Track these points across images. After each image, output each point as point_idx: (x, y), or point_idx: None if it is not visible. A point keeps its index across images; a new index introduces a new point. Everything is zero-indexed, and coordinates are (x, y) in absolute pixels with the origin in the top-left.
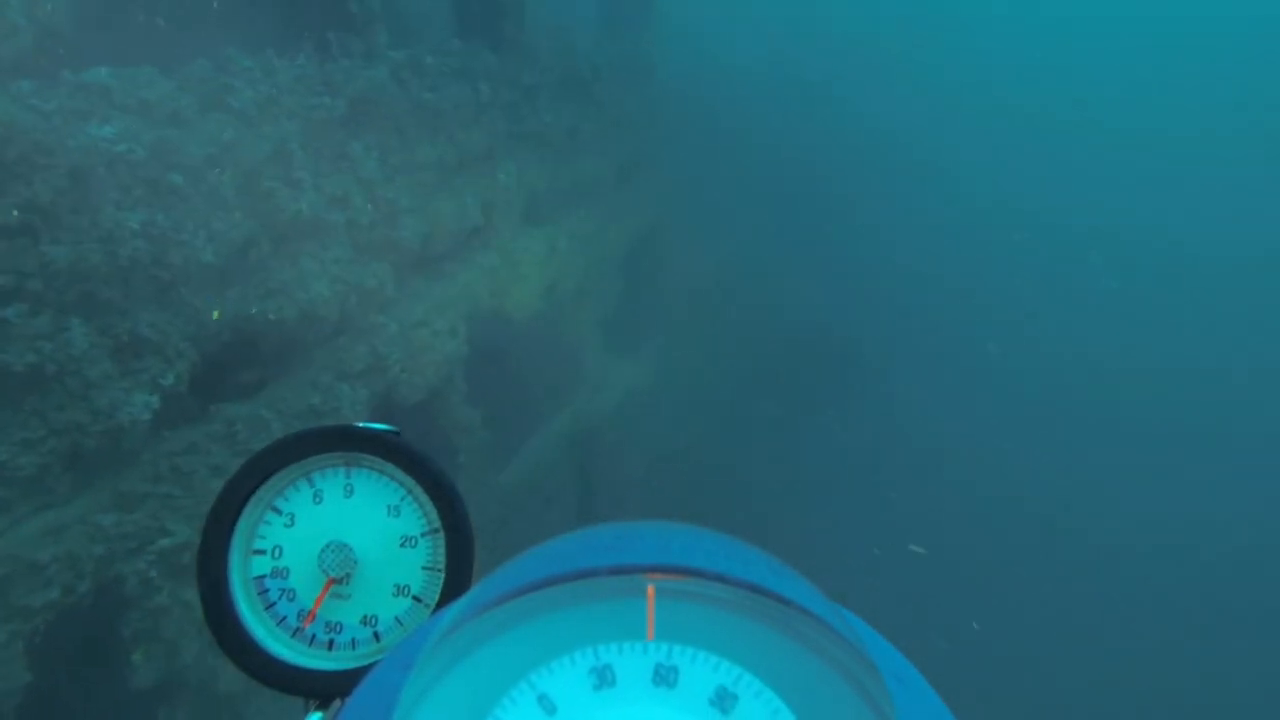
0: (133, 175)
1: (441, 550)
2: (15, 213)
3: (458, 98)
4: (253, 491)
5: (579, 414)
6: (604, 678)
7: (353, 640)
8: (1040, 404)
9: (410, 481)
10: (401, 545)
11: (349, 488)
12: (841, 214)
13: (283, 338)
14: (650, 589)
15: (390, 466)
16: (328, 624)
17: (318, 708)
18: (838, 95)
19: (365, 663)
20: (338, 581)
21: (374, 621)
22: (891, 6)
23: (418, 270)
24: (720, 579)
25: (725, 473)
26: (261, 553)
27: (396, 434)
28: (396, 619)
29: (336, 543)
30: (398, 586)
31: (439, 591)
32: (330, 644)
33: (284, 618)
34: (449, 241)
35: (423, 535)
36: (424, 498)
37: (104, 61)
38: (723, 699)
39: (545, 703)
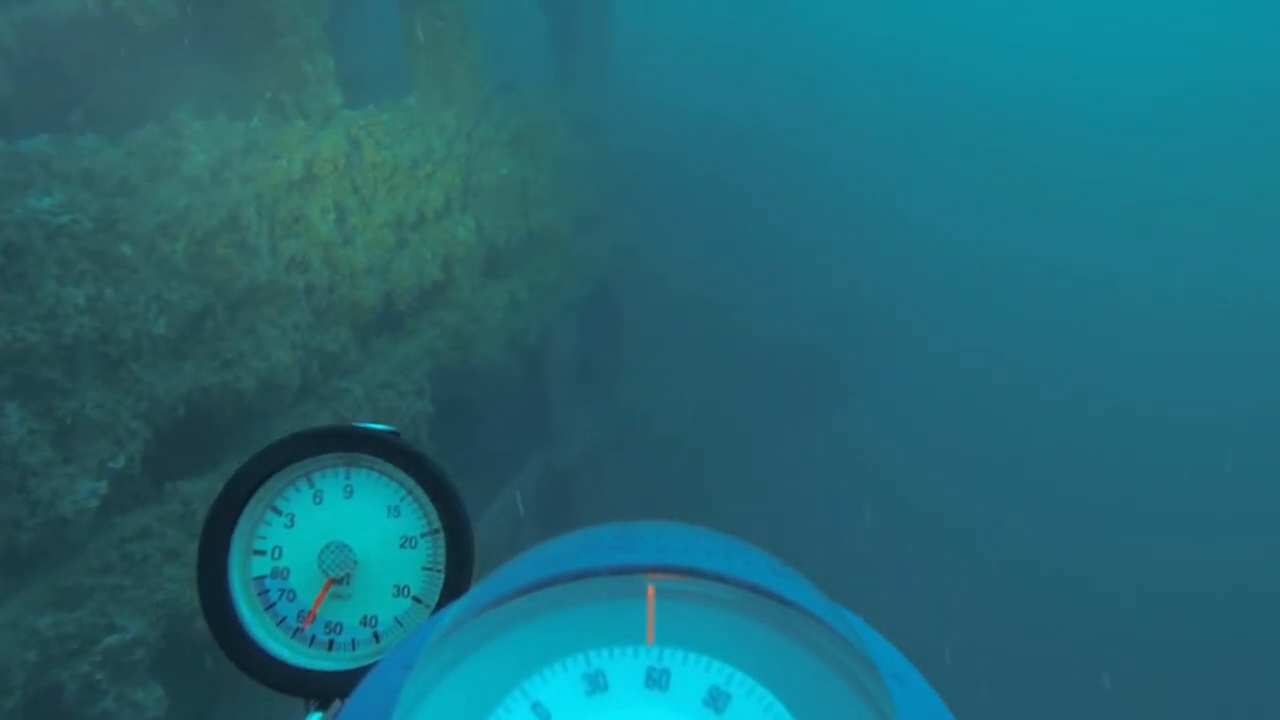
0: (77, 248)
1: (441, 551)
2: None
3: (414, 154)
4: (253, 492)
5: (549, 462)
6: (596, 683)
7: (352, 641)
8: (990, 439)
9: (410, 482)
10: (401, 546)
11: (349, 488)
12: (797, 254)
13: (242, 408)
14: (650, 590)
15: (390, 467)
16: (328, 624)
17: (317, 708)
18: (790, 139)
19: (365, 663)
20: (337, 582)
21: (374, 622)
22: (844, 52)
23: (380, 331)
24: (720, 579)
25: (698, 505)
26: (261, 553)
27: (396, 434)
28: (396, 619)
29: (336, 543)
30: (398, 587)
31: (439, 592)
32: (330, 644)
33: (284, 618)
34: (410, 299)
35: (423, 536)
36: (424, 498)
37: (44, 128)
38: (716, 698)
39: (539, 710)
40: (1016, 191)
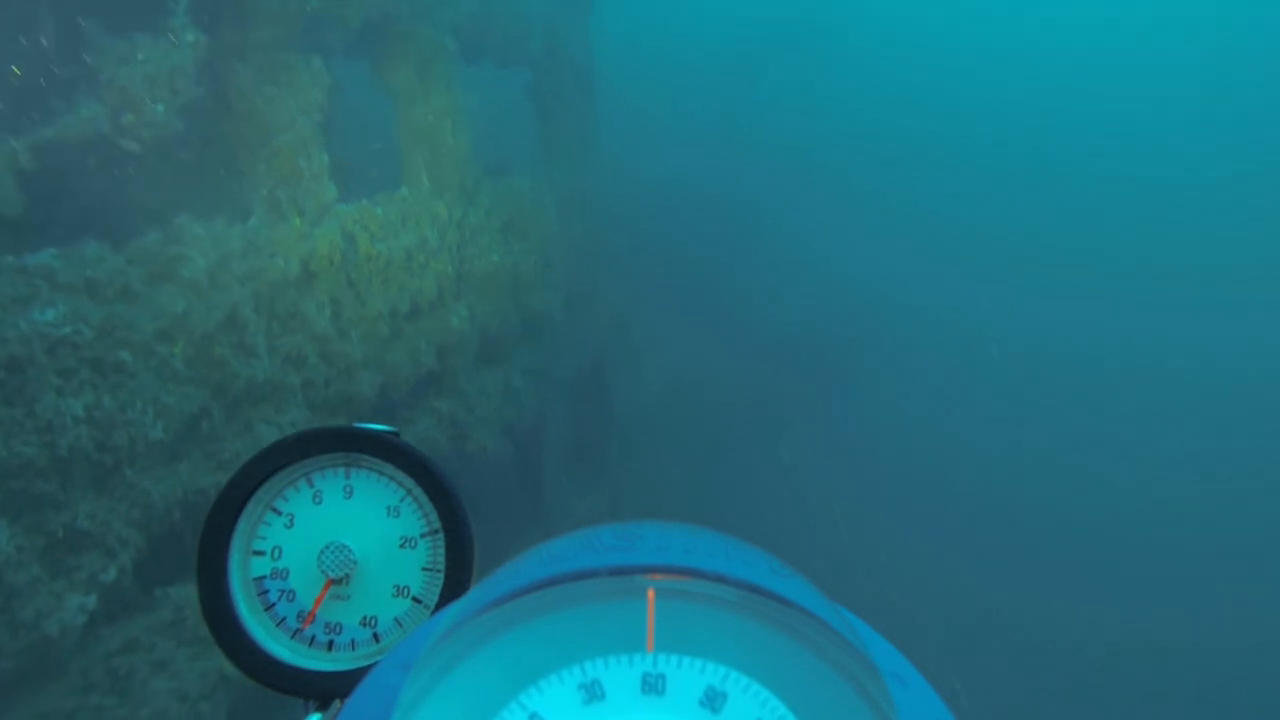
0: (77, 358)
1: (441, 551)
2: None
3: (408, 245)
4: (252, 492)
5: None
6: (593, 692)
7: (352, 641)
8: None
9: (410, 482)
10: (401, 546)
11: (349, 489)
12: (781, 325)
13: None
14: (650, 593)
15: (390, 467)
16: (327, 625)
17: (317, 708)
18: (773, 214)
19: (365, 664)
20: (337, 582)
21: (373, 622)
22: (825, 129)
23: (375, 422)
24: (720, 579)
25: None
26: (261, 553)
27: (396, 434)
28: (396, 620)
29: (336, 544)
30: (397, 587)
31: (438, 592)
32: (330, 645)
33: (284, 618)
34: (405, 390)
35: (422, 536)
36: (424, 498)
37: (51, 238)
38: (712, 699)
39: None
40: (998, 263)
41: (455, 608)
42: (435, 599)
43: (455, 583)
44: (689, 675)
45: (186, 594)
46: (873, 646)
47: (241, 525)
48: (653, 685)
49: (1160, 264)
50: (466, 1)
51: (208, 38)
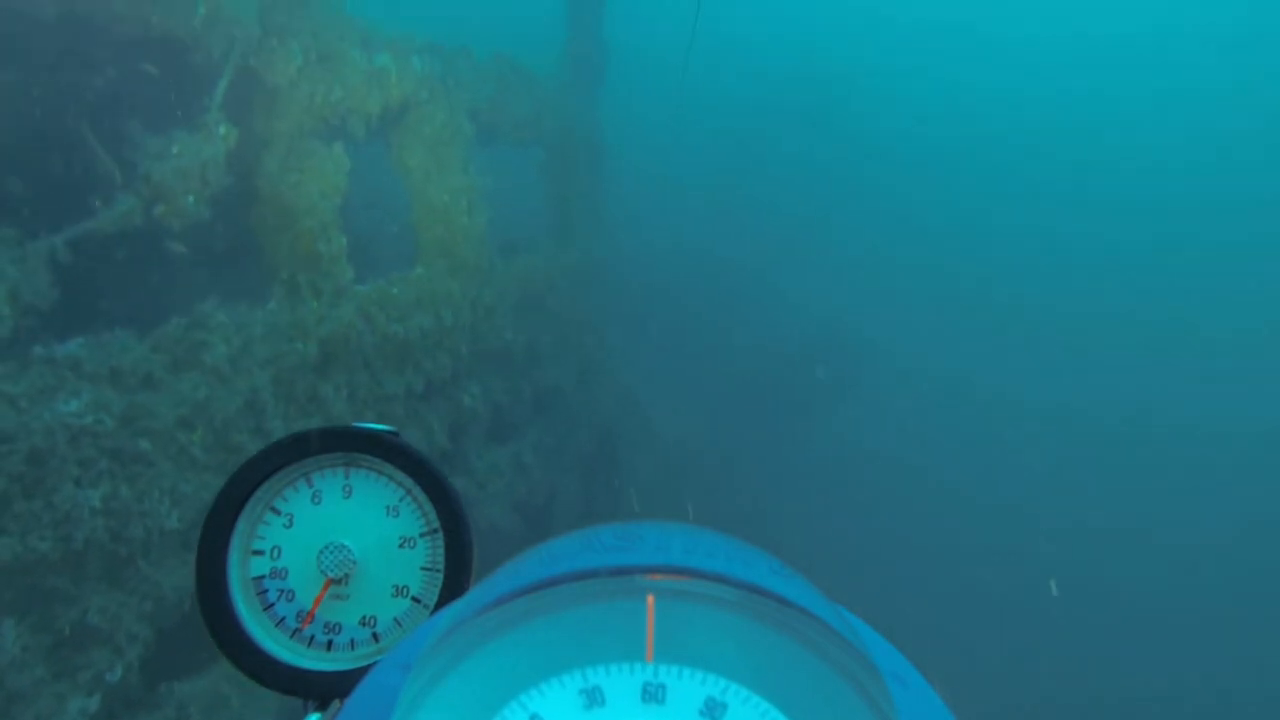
0: (98, 447)
1: (440, 551)
2: None
3: (423, 326)
4: (252, 492)
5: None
6: (594, 698)
7: (351, 641)
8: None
9: (409, 482)
10: (400, 546)
11: (348, 488)
12: (791, 390)
13: None
14: (650, 599)
15: (389, 467)
16: (326, 625)
17: (316, 708)
18: (777, 280)
19: (364, 663)
20: (336, 582)
21: (373, 622)
22: (831, 195)
23: None
24: (721, 579)
25: None
26: (260, 553)
27: (395, 434)
28: (395, 620)
29: (335, 543)
30: (396, 587)
31: (438, 592)
32: (329, 645)
33: (283, 618)
34: None
35: (421, 536)
36: (423, 498)
37: (80, 327)
38: (712, 709)
39: None
40: (1009, 326)
41: (455, 608)
42: (435, 599)
43: (455, 582)
44: (690, 685)
45: (191, 690)
46: (873, 646)
47: (241, 525)
48: (653, 694)
49: (1149, 320)
50: (484, 84)
51: (239, 130)
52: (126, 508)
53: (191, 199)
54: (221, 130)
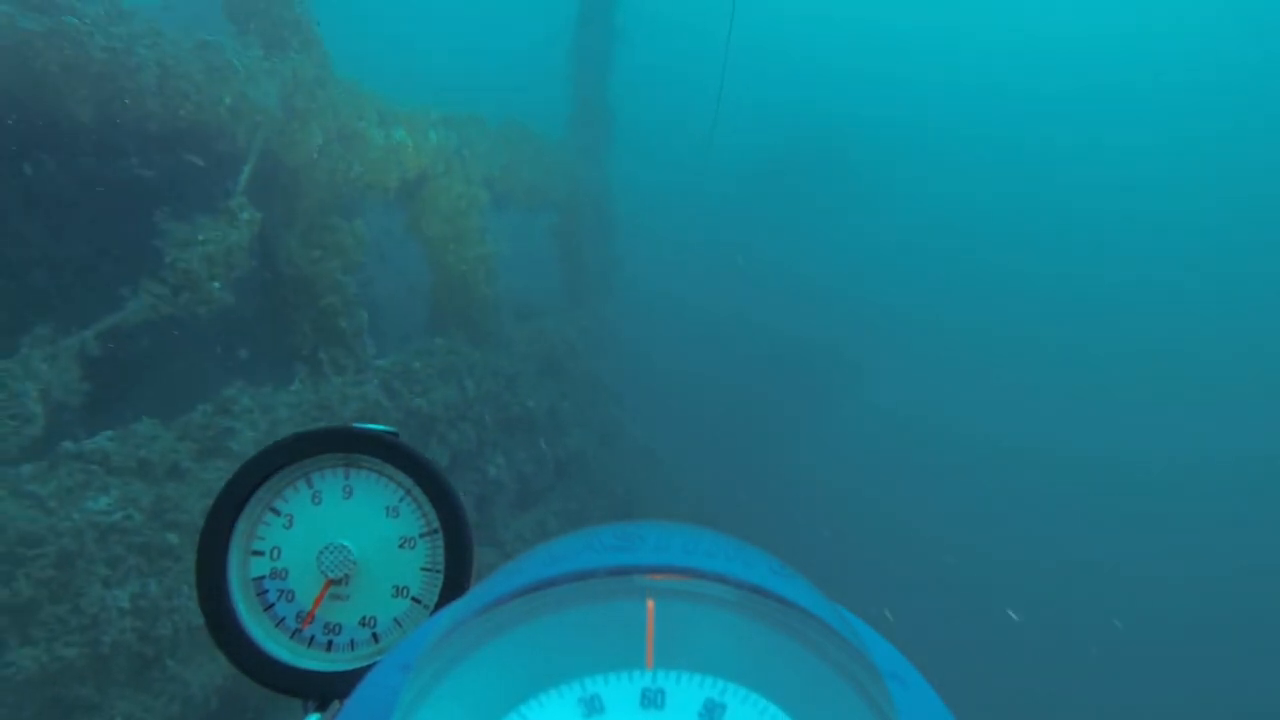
0: (126, 544)
1: (440, 551)
2: None
3: (446, 399)
4: (252, 492)
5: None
6: (593, 706)
7: (351, 641)
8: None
9: (409, 482)
10: (400, 546)
11: (348, 489)
12: (802, 449)
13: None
14: (650, 606)
15: (389, 468)
16: (326, 625)
17: (316, 709)
18: (795, 338)
19: (364, 664)
20: (336, 583)
21: (373, 623)
22: (841, 252)
23: None
24: (720, 579)
25: None
26: (260, 554)
27: (395, 435)
28: (395, 620)
29: (335, 544)
30: (396, 588)
31: (438, 592)
32: (329, 645)
33: (282, 619)
34: None
35: (421, 536)
36: (423, 498)
37: (109, 419)
38: (711, 710)
39: None
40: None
41: (455, 608)
42: (434, 599)
43: (454, 583)
44: (688, 689)
45: None
46: (873, 647)
47: (240, 525)
48: (652, 700)
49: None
50: (497, 153)
51: (263, 213)
52: (155, 605)
53: (217, 285)
54: (245, 215)
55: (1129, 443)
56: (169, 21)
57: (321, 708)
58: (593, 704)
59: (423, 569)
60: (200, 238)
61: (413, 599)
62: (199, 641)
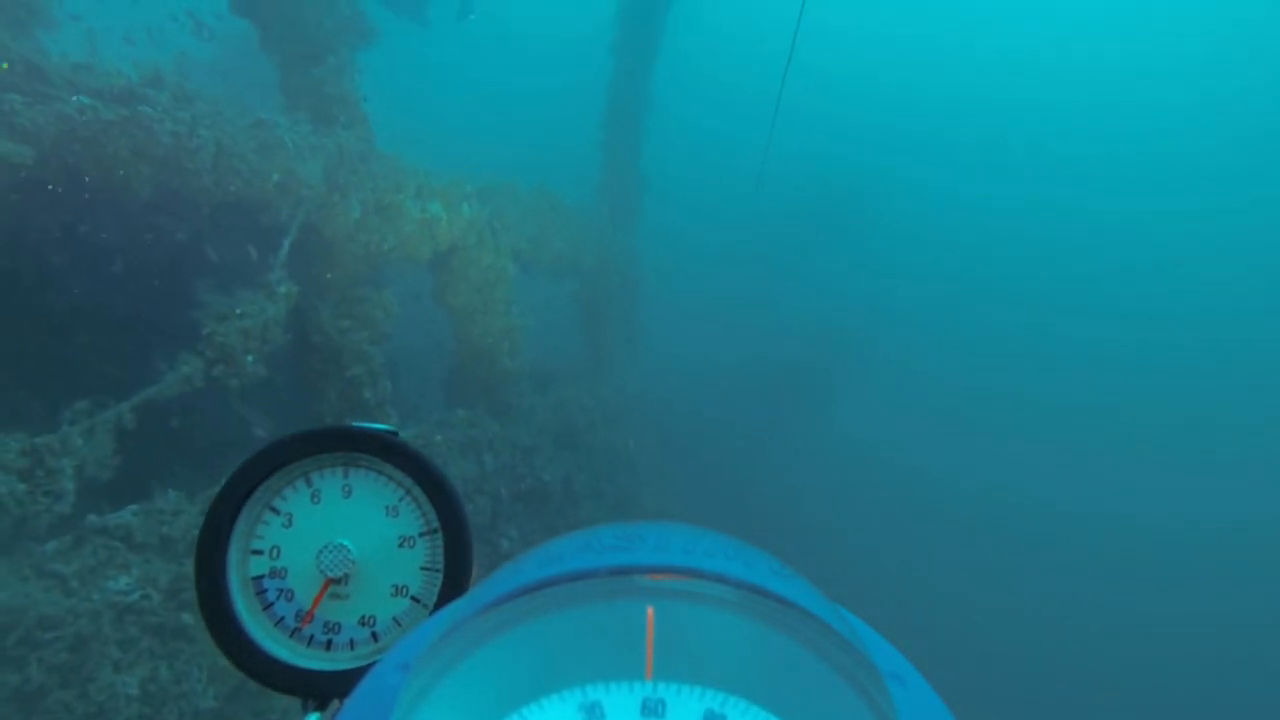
0: (141, 625)
1: (440, 550)
2: None
3: (465, 472)
4: (251, 491)
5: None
6: (593, 712)
7: (351, 641)
8: None
9: (409, 482)
10: (400, 545)
11: (347, 488)
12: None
13: None
14: (650, 613)
15: (389, 467)
16: (326, 624)
17: (316, 708)
18: (813, 398)
19: (363, 663)
20: (335, 582)
21: (372, 622)
22: (856, 302)
23: None
24: (720, 579)
25: None
26: (259, 553)
27: (395, 434)
28: (395, 619)
29: (334, 543)
30: (396, 587)
31: (437, 592)
32: (328, 644)
33: (282, 618)
34: None
35: (421, 535)
36: (422, 498)
37: (134, 492)
38: None
39: None
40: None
41: (454, 607)
42: (434, 598)
43: (454, 582)
44: (689, 700)
45: None
46: (872, 646)
47: (240, 524)
48: (652, 709)
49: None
50: (526, 224)
51: (298, 285)
52: (164, 690)
53: (251, 358)
54: (283, 289)
55: (1143, 503)
56: (228, 89)
57: (321, 707)
58: (593, 710)
59: (422, 568)
60: (238, 311)
61: (412, 598)
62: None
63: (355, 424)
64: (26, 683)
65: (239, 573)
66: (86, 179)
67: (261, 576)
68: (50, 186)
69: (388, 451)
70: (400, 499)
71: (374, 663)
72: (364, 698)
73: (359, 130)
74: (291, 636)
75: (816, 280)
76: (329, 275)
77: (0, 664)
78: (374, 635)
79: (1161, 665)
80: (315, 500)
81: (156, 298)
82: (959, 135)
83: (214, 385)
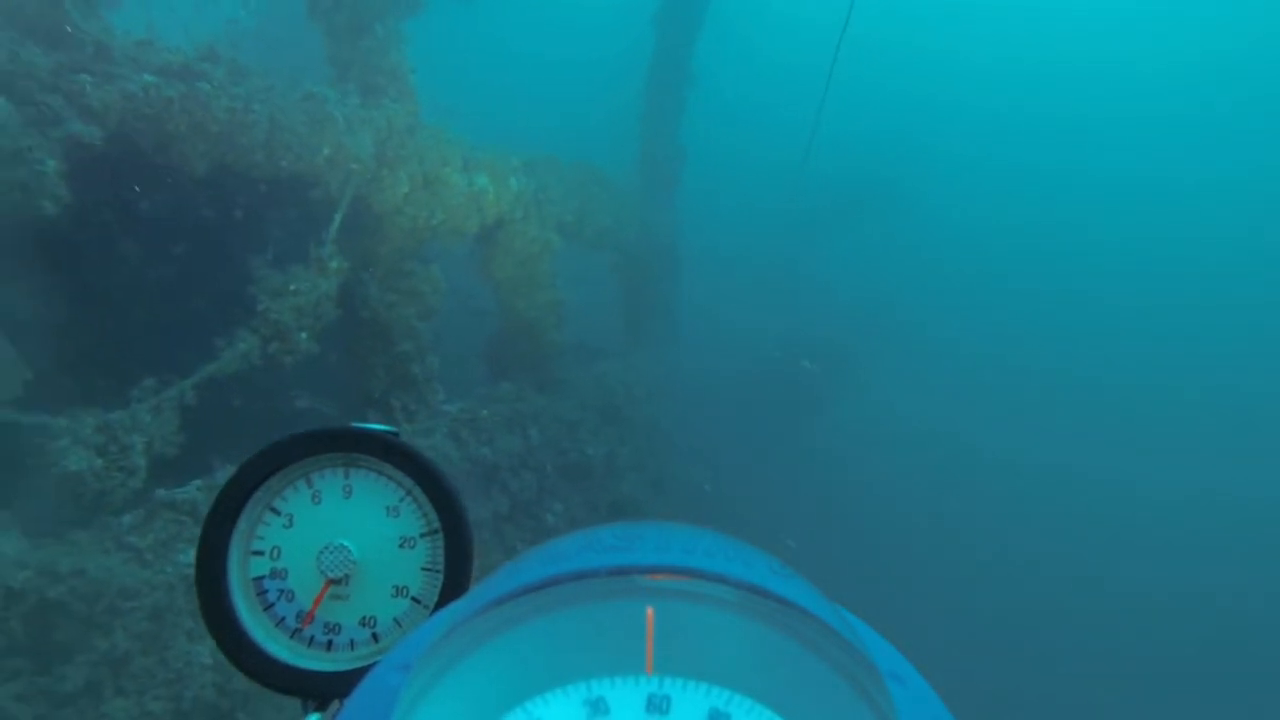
0: None
1: (440, 551)
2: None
3: (510, 447)
4: (251, 492)
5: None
6: (598, 708)
7: (351, 641)
8: None
9: (409, 482)
10: (400, 546)
11: (348, 489)
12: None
13: None
14: (650, 613)
15: (389, 467)
16: (326, 625)
17: (316, 709)
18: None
19: (364, 664)
20: (336, 582)
21: (372, 622)
22: (898, 284)
23: None
24: (720, 579)
25: None
26: (260, 554)
27: (395, 434)
28: (395, 620)
29: (335, 544)
30: (396, 587)
31: (438, 592)
32: (329, 645)
33: (282, 619)
34: None
35: (421, 536)
36: (423, 498)
37: (195, 467)
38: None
39: None
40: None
41: (455, 608)
42: (434, 599)
43: (454, 582)
44: (694, 697)
45: None
46: (872, 646)
47: (240, 525)
48: (657, 705)
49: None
50: (570, 198)
51: (349, 262)
52: None
53: (304, 335)
54: (334, 264)
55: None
56: (275, 58)
57: (321, 707)
58: (598, 705)
59: (423, 569)
60: (292, 287)
61: (412, 599)
62: (266, 695)
63: (355, 425)
64: (113, 649)
65: (240, 573)
66: (148, 156)
67: (262, 577)
68: (115, 164)
69: (388, 452)
70: (401, 499)
71: (374, 663)
72: (364, 698)
73: (407, 103)
74: (292, 637)
75: (856, 253)
76: (377, 249)
77: (91, 629)
78: (374, 636)
79: (1206, 641)
80: (316, 501)
81: (214, 273)
82: (1002, 104)
83: (270, 362)
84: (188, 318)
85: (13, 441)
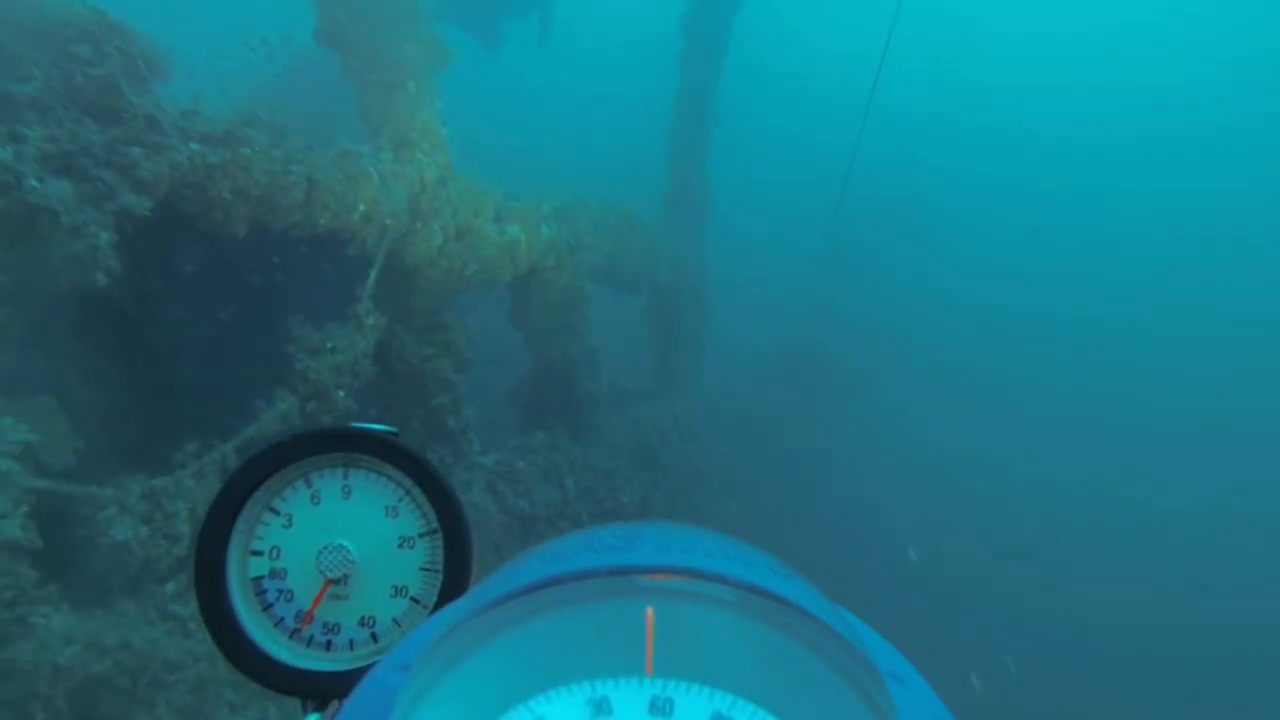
0: None
1: (439, 551)
2: None
3: (547, 498)
4: (251, 492)
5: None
6: (601, 708)
7: (350, 641)
8: None
9: (408, 482)
10: (399, 546)
11: (347, 489)
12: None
13: None
14: (650, 613)
15: (388, 467)
16: (325, 625)
17: (315, 709)
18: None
19: (363, 664)
20: (335, 583)
21: (372, 622)
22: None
23: None
24: (720, 580)
25: None
26: (259, 554)
27: (395, 434)
28: (394, 620)
29: (334, 544)
30: (395, 587)
31: (437, 592)
32: (328, 645)
33: (281, 619)
34: None
35: (420, 536)
36: (422, 498)
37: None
38: None
39: None
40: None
41: (454, 608)
42: (434, 599)
43: (454, 582)
44: (697, 700)
45: None
46: (872, 646)
47: (239, 525)
48: (660, 708)
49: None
50: (602, 244)
51: (386, 318)
52: None
53: (342, 393)
54: (370, 320)
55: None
56: (319, 106)
57: (321, 707)
58: (601, 705)
59: (422, 569)
60: (329, 345)
61: (412, 599)
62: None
63: (355, 425)
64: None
65: (239, 573)
66: (192, 221)
67: (261, 577)
68: (161, 231)
69: (387, 452)
70: (400, 499)
71: (373, 663)
72: (363, 698)
73: (439, 156)
74: (291, 637)
75: (876, 280)
76: (412, 302)
77: (135, 704)
78: (373, 636)
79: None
80: (315, 501)
81: (253, 333)
82: (1030, 123)
83: (309, 421)
84: (229, 378)
85: (63, 513)
